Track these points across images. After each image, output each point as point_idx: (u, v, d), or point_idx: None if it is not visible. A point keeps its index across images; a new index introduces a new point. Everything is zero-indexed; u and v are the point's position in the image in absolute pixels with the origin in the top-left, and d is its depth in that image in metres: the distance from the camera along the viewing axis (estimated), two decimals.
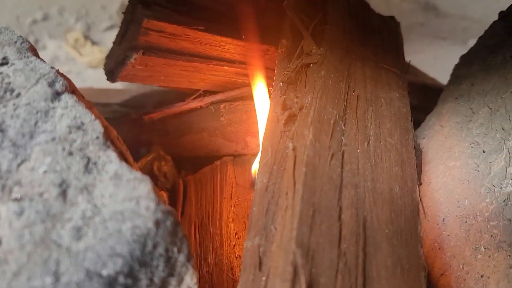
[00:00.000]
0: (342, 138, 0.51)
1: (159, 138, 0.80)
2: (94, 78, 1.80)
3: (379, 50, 0.66)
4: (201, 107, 0.73)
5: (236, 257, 0.61)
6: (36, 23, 1.94)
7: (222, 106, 0.72)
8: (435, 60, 2.23)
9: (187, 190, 0.77)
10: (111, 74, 0.68)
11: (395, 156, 0.53)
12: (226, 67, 0.67)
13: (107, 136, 0.36)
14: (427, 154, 0.73)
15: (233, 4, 0.70)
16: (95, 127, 0.35)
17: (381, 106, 0.58)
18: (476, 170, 0.61)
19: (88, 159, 0.33)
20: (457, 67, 0.77)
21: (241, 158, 0.77)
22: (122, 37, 0.65)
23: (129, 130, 0.81)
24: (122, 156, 0.37)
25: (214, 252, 0.63)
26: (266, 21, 0.69)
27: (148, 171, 0.78)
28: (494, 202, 0.57)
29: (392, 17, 0.79)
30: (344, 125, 0.52)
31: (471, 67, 0.72)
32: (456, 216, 0.62)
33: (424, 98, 0.86)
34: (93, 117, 0.35)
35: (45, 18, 1.96)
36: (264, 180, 0.48)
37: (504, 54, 0.65)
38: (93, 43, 2.01)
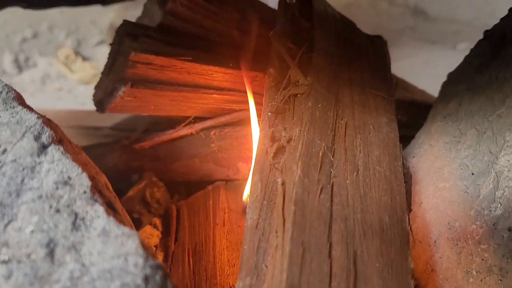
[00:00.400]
0: (331, 170, 0.51)
1: (151, 164, 0.80)
2: (85, 95, 1.80)
3: (367, 73, 0.66)
4: (191, 133, 0.74)
5: (230, 287, 0.61)
6: (26, 41, 1.94)
7: (212, 132, 0.72)
8: (426, 65, 2.24)
9: (180, 216, 0.77)
10: (101, 105, 0.68)
11: (384, 184, 0.53)
12: (215, 95, 0.68)
13: (94, 188, 0.36)
14: (418, 174, 0.73)
15: (223, 31, 0.70)
16: (82, 181, 0.35)
17: (369, 133, 0.58)
18: (465, 192, 0.62)
19: (76, 215, 0.33)
20: (445, 85, 0.78)
21: (233, 183, 0.77)
22: (110, 68, 0.65)
23: (120, 157, 0.81)
24: (111, 206, 0.37)
25: (208, 281, 0.63)
26: (254, 48, 0.69)
27: (140, 198, 0.78)
28: (484, 225, 0.58)
29: (379, 37, 0.80)
30: (332, 156, 0.53)
31: (458, 86, 0.73)
32: (448, 238, 0.63)
33: (413, 115, 0.86)
34: (80, 170, 0.35)
35: (35, 35, 1.96)
36: (254, 217, 0.48)
37: (490, 75, 0.66)
38: (84, 58, 2.01)
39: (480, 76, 0.69)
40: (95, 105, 0.68)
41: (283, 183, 0.49)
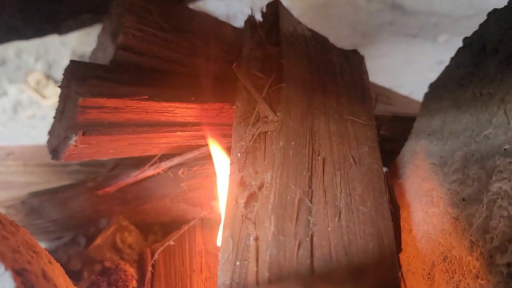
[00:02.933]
0: (309, 218, 0.46)
1: (120, 207, 0.73)
2: None
3: (343, 98, 0.61)
4: (158, 173, 0.68)
5: None
6: None
7: (180, 172, 0.66)
8: (408, 60, 2.21)
9: (155, 261, 0.71)
10: (56, 153, 0.61)
11: (370, 228, 0.48)
12: (179, 132, 0.62)
13: (23, 285, 0.30)
14: (405, 197, 0.69)
15: (183, 61, 0.65)
16: (5, 284, 0.29)
17: (350, 167, 0.53)
18: (457, 220, 0.57)
19: None
20: (427, 98, 0.73)
21: (210, 220, 0.71)
22: (61, 113, 0.59)
23: (87, 200, 0.74)
24: None
25: None
26: (219, 77, 0.63)
27: (111, 245, 0.72)
28: (480, 257, 0.53)
29: (355, 52, 0.74)
30: (310, 201, 0.47)
31: (441, 101, 0.68)
32: (442, 270, 0.58)
33: (395, 129, 0.82)
34: (2, 269, 0.30)
35: (3, 62, 1.87)
36: (226, 282, 0.43)
37: (473, 90, 0.61)
38: (57, 82, 1.93)
39: (463, 90, 0.64)
40: (50, 153, 0.62)
41: (256, 239, 0.44)
